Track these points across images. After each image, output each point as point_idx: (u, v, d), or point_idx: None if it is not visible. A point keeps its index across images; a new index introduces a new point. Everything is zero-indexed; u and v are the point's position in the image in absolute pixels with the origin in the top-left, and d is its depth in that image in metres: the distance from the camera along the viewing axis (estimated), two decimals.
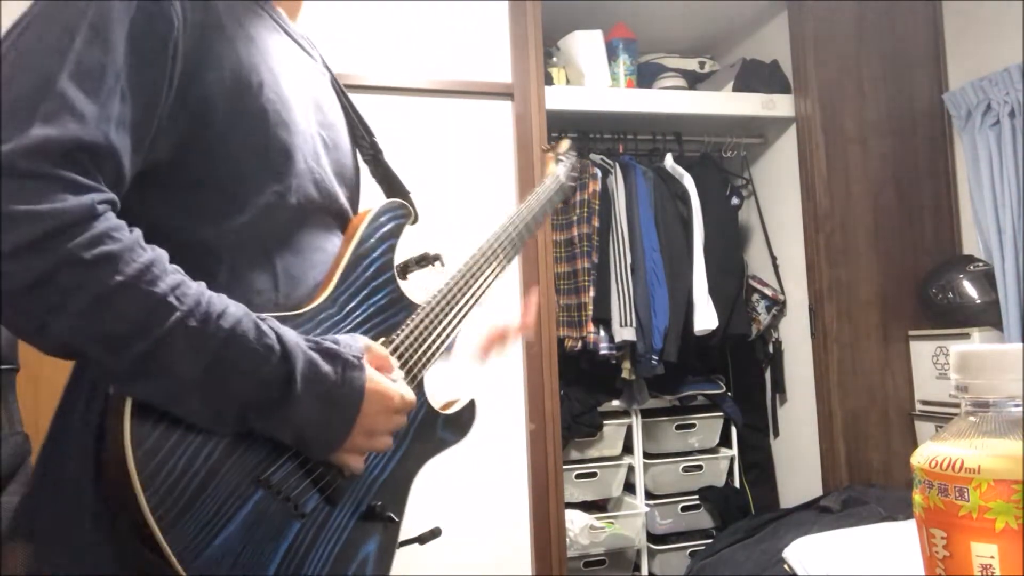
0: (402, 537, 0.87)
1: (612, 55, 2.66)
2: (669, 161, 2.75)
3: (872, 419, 2.54)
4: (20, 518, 0.70)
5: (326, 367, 0.67)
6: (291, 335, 0.66)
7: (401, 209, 0.91)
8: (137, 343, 0.58)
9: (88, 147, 0.58)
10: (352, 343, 0.72)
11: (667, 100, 2.66)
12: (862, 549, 0.95)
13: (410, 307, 0.87)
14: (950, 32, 2.69)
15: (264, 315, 0.67)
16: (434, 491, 1.73)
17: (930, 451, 0.49)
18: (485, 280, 0.99)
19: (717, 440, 2.82)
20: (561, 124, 2.60)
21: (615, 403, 2.67)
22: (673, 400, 2.76)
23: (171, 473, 0.59)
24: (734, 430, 2.83)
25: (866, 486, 2.36)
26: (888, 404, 2.56)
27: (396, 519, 0.83)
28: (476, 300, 0.97)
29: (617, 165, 2.64)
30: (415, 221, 0.93)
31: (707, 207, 2.69)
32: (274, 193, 0.74)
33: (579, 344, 2.54)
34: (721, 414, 2.80)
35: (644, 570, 2.63)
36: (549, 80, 2.52)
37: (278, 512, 0.67)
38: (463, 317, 0.94)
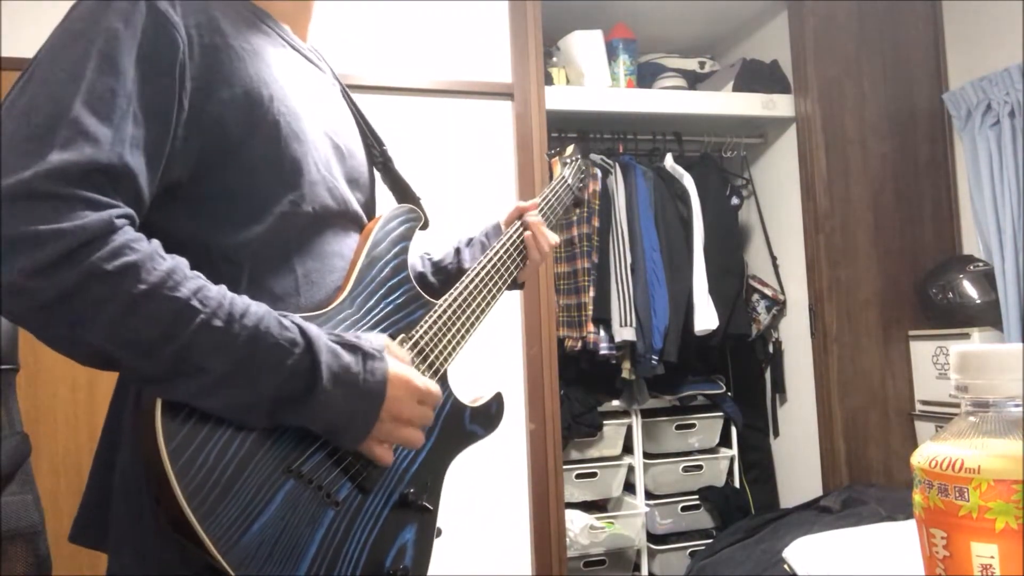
0: None
1: (612, 55, 2.66)
2: (669, 161, 2.75)
3: (872, 419, 2.54)
4: (89, 518, 0.74)
5: (348, 357, 0.70)
6: (313, 329, 0.69)
7: (412, 213, 0.93)
8: (166, 347, 0.61)
9: (104, 168, 0.61)
10: (373, 339, 0.74)
11: (667, 100, 2.65)
12: (862, 549, 0.95)
13: (427, 304, 0.90)
14: (950, 32, 2.69)
15: (286, 312, 0.70)
16: None
17: (930, 451, 0.49)
18: (501, 277, 1.02)
19: (717, 440, 2.82)
20: (561, 124, 2.61)
21: (615, 403, 2.67)
22: (673, 400, 2.75)
23: (204, 464, 0.62)
24: (734, 430, 2.83)
25: (866, 486, 2.35)
26: (888, 404, 2.56)
27: (431, 508, 0.85)
28: (494, 296, 0.99)
29: (617, 165, 2.64)
30: (426, 226, 0.96)
31: (707, 207, 2.69)
32: (289, 202, 0.77)
33: (579, 344, 2.54)
34: (721, 414, 2.80)
35: (644, 570, 2.63)
36: (549, 80, 2.52)
37: (311, 500, 0.70)
38: (482, 312, 0.96)
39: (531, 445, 2.22)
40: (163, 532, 0.64)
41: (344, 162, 0.87)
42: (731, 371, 2.97)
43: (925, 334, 2.53)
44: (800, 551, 0.95)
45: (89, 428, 1.87)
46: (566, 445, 2.55)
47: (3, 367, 1.13)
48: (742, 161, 2.97)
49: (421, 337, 0.86)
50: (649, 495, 2.70)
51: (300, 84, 0.82)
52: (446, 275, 1.10)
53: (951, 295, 2.45)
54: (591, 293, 2.53)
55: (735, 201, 2.85)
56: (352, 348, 0.71)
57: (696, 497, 2.73)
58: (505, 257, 1.03)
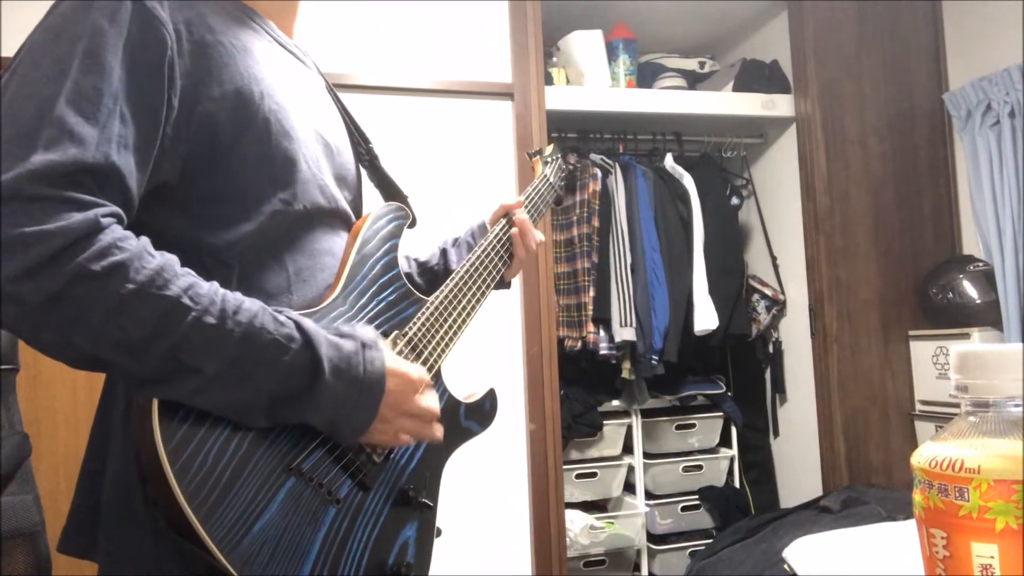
0: None
1: (612, 55, 2.66)
2: (669, 161, 2.75)
3: (872, 419, 2.54)
4: (77, 526, 0.73)
5: (348, 346, 0.70)
6: (310, 323, 0.69)
7: (400, 211, 0.93)
8: (157, 346, 0.60)
9: (89, 168, 0.60)
10: (364, 330, 0.74)
11: (667, 100, 2.65)
12: (862, 549, 0.95)
13: (419, 302, 0.90)
14: (950, 32, 2.69)
15: (281, 308, 0.69)
16: None
17: (930, 451, 0.49)
18: (490, 274, 1.02)
19: (717, 440, 2.82)
20: (561, 124, 2.61)
21: (615, 403, 2.67)
22: (673, 400, 2.75)
23: (203, 465, 0.61)
24: (734, 430, 2.83)
25: (866, 486, 2.35)
26: (888, 404, 2.56)
27: (431, 505, 0.85)
28: (483, 293, 0.99)
29: (617, 165, 2.64)
30: (413, 224, 0.96)
31: (707, 207, 2.69)
32: (281, 200, 0.76)
33: (579, 344, 2.54)
34: (721, 414, 2.80)
35: (644, 570, 2.63)
36: (549, 80, 2.52)
37: (313, 498, 0.69)
38: (472, 309, 0.96)
39: (531, 445, 2.22)
40: (159, 537, 0.63)
41: (332, 160, 0.86)
42: (731, 371, 2.97)
43: (925, 334, 2.53)
44: (800, 551, 0.95)
45: (89, 428, 1.87)
46: (566, 445, 2.55)
47: (3, 367, 1.13)
48: (742, 161, 2.97)
49: (415, 334, 0.86)
50: (649, 495, 2.70)
51: (289, 81, 0.81)
52: (432, 275, 1.10)
53: (951, 295, 2.45)
54: (591, 293, 2.53)
55: (735, 201, 2.85)
56: (349, 338, 0.71)
57: (696, 497, 2.73)
58: (492, 254, 1.04)
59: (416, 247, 1.15)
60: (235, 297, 0.65)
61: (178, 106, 0.68)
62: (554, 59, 2.65)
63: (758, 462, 2.88)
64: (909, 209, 2.64)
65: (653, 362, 2.48)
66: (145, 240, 0.62)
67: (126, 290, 0.58)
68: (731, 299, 2.70)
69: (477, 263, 1.00)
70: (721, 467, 2.79)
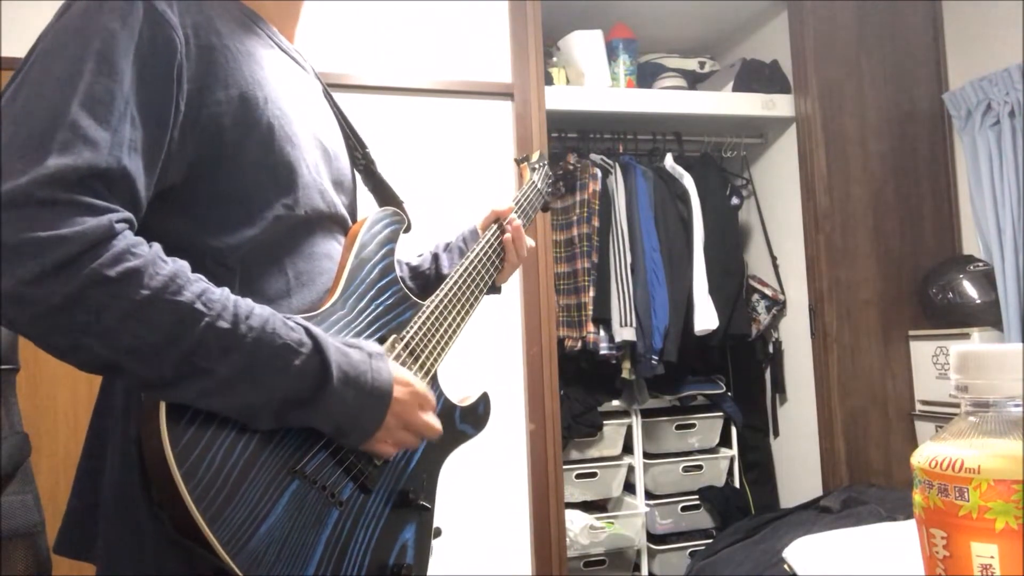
0: None
1: (612, 55, 2.66)
2: (669, 161, 2.75)
3: (872, 419, 2.54)
4: (74, 527, 0.73)
5: (356, 355, 0.71)
6: (319, 330, 0.69)
7: (395, 216, 0.94)
8: (171, 352, 0.60)
9: (102, 173, 0.60)
10: (369, 344, 0.75)
11: (667, 100, 2.65)
12: (862, 549, 0.95)
13: (415, 306, 0.90)
14: (950, 32, 2.69)
15: (290, 315, 0.70)
16: None
17: (930, 451, 0.49)
18: (482, 279, 1.03)
19: (717, 440, 2.82)
20: (561, 124, 2.61)
21: (615, 403, 2.67)
22: (673, 400, 2.75)
23: (210, 467, 0.62)
24: (734, 430, 2.83)
25: (866, 486, 2.35)
26: (888, 404, 2.56)
27: (429, 507, 0.87)
28: (476, 298, 1.00)
29: (617, 165, 2.64)
30: (408, 229, 0.96)
31: (707, 207, 2.69)
32: (283, 205, 0.76)
33: (579, 344, 2.54)
34: (721, 414, 2.80)
35: (644, 570, 2.63)
36: (549, 80, 2.52)
37: (316, 501, 0.70)
38: (467, 313, 0.97)
39: (531, 445, 2.22)
40: (161, 537, 0.63)
41: (330, 165, 0.87)
42: (731, 371, 2.97)
43: (925, 334, 2.53)
44: (800, 551, 0.95)
45: None
46: (566, 445, 2.55)
47: (3, 367, 1.13)
48: (742, 161, 2.97)
49: (412, 337, 0.87)
50: (649, 495, 2.70)
51: (290, 86, 0.82)
52: (424, 280, 1.11)
53: (951, 295, 2.45)
54: (591, 293, 2.53)
55: (735, 201, 2.85)
56: (357, 347, 0.72)
57: (696, 497, 2.73)
58: (485, 259, 1.05)
59: (408, 251, 1.15)
60: (246, 302, 0.66)
61: (185, 109, 0.68)
62: (554, 59, 2.65)
63: (758, 462, 2.88)
64: (909, 209, 2.64)
65: (653, 362, 2.48)
66: (157, 247, 0.63)
67: (141, 296, 0.59)
68: (731, 299, 2.70)
69: (471, 268, 1.01)
70: (721, 467, 2.79)
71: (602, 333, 2.52)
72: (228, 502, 0.62)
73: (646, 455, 2.70)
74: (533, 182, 1.26)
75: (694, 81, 2.96)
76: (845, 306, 2.56)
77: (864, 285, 2.58)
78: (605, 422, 2.62)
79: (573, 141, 2.69)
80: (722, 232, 2.74)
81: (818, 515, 2.23)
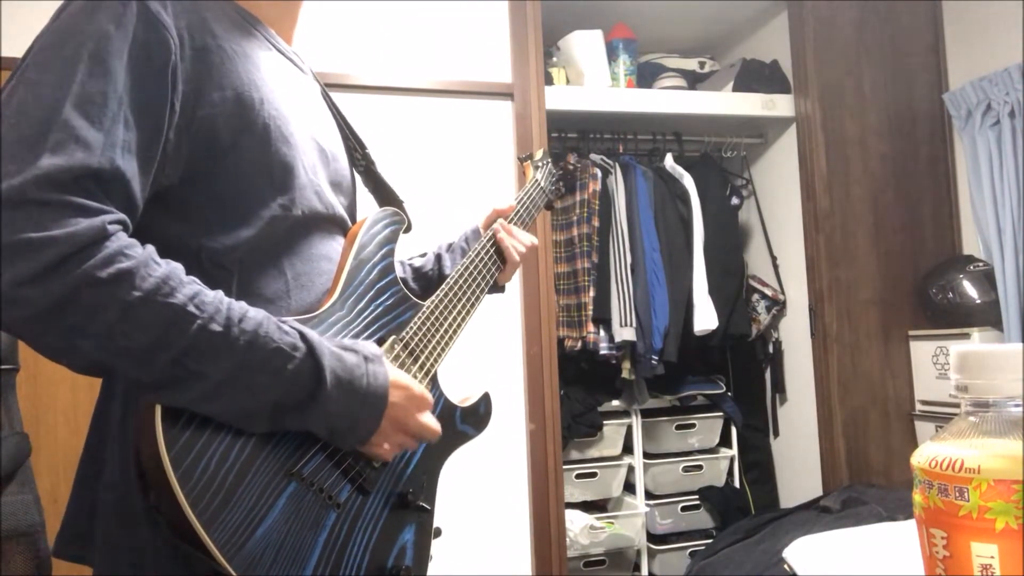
0: None
1: (612, 55, 2.66)
2: (669, 161, 2.75)
3: (872, 419, 2.54)
4: (72, 531, 0.73)
5: (351, 359, 0.70)
6: (313, 334, 0.69)
7: (395, 216, 0.93)
8: (163, 354, 0.60)
9: (95, 173, 0.60)
10: (368, 345, 0.74)
11: (667, 100, 2.65)
12: (862, 549, 0.95)
13: (415, 306, 0.90)
14: (950, 32, 2.69)
15: (284, 318, 0.69)
16: None
17: (930, 451, 0.49)
18: (484, 278, 1.03)
19: (717, 440, 2.82)
20: (561, 124, 2.60)
21: (615, 403, 2.67)
22: (673, 400, 2.75)
23: (206, 470, 0.61)
24: (734, 430, 2.83)
25: (866, 486, 2.35)
26: (888, 404, 2.56)
27: (428, 508, 0.86)
28: (477, 298, 1.00)
29: (617, 165, 2.64)
30: (408, 229, 0.96)
31: (707, 207, 2.69)
32: (279, 206, 0.76)
33: (579, 344, 2.54)
34: (721, 414, 2.80)
35: (644, 570, 2.63)
36: (549, 80, 2.52)
37: (314, 503, 0.70)
38: (467, 313, 0.97)
39: (531, 445, 2.22)
40: (160, 540, 0.63)
41: (328, 166, 0.87)
42: (731, 371, 2.97)
43: (925, 334, 2.53)
44: (800, 551, 0.95)
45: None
46: (566, 445, 2.55)
47: (3, 367, 1.13)
48: (742, 161, 2.97)
49: (412, 338, 0.86)
50: (649, 495, 2.70)
51: (287, 87, 0.81)
52: (427, 280, 1.11)
53: (951, 295, 2.45)
54: (591, 293, 2.53)
55: (735, 201, 2.85)
56: (353, 351, 0.71)
57: (696, 497, 2.73)
58: (486, 259, 1.04)
59: (410, 252, 1.15)
60: (240, 306, 0.66)
61: (180, 110, 0.68)
62: (554, 59, 2.65)
63: (758, 462, 2.88)
64: (909, 209, 2.64)
65: (653, 362, 2.48)
66: (151, 248, 0.63)
67: (132, 297, 0.58)
68: (731, 299, 2.70)
69: (471, 267, 1.01)
70: (721, 467, 2.79)
71: (602, 333, 2.52)
72: (224, 505, 0.62)
73: (646, 455, 2.70)
74: (536, 180, 1.26)
75: (694, 81, 2.96)
76: (845, 306, 2.56)
77: (864, 285, 2.58)
78: (605, 422, 2.62)
79: (573, 141, 2.69)
80: (722, 232, 2.74)
81: (818, 515, 2.23)
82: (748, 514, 2.69)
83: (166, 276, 0.61)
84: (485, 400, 1.00)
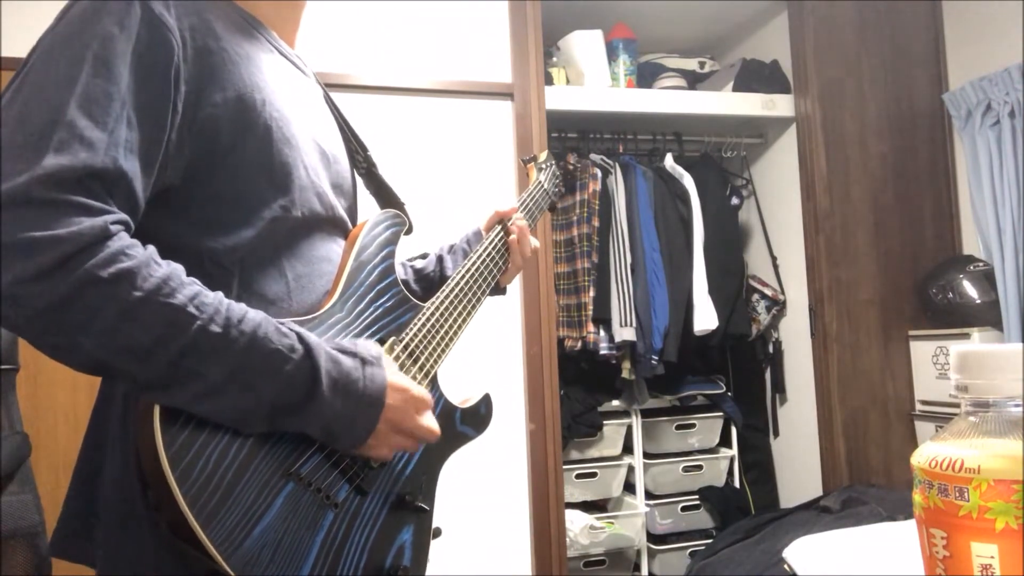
0: None
1: (612, 55, 2.66)
2: (669, 161, 2.75)
3: (872, 419, 2.54)
4: (71, 530, 0.73)
5: (348, 363, 0.70)
6: (312, 336, 0.69)
7: (396, 218, 0.93)
8: (162, 353, 0.60)
9: (98, 173, 0.61)
10: (369, 347, 0.74)
11: (667, 100, 2.65)
12: (862, 549, 0.95)
13: (416, 308, 0.90)
14: (950, 32, 2.69)
15: (283, 319, 0.70)
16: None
17: (930, 451, 0.49)
18: (485, 280, 1.03)
19: (717, 440, 2.82)
20: (561, 124, 2.61)
21: (615, 403, 2.67)
22: (673, 400, 2.75)
23: (204, 469, 0.62)
24: (734, 430, 2.83)
25: (866, 486, 2.35)
26: (888, 404, 2.56)
27: (427, 509, 0.86)
28: (479, 300, 1.00)
29: (617, 165, 2.64)
30: (410, 231, 0.96)
31: (707, 207, 2.69)
32: (280, 207, 0.76)
33: (579, 344, 2.54)
34: (721, 414, 2.80)
35: (644, 570, 2.63)
36: (549, 80, 2.52)
37: (311, 503, 0.70)
38: (468, 315, 0.97)
39: (531, 445, 2.22)
40: (160, 541, 0.64)
41: (329, 168, 0.87)
42: (731, 371, 2.97)
43: (925, 334, 2.53)
44: (800, 551, 0.95)
45: None
46: (566, 445, 2.55)
47: (3, 367, 1.13)
48: (742, 161, 2.97)
49: (411, 339, 0.86)
50: (649, 495, 2.70)
51: (289, 89, 0.82)
52: (429, 282, 1.11)
53: (951, 295, 2.45)
54: (591, 293, 2.53)
55: (735, 201, 2.85)
56: (351, 354, 0.71)
57: (696, 497, 2.73)
58: (488, 261, 1.04)
59: (412, 254, 1.15)
60: (239, 307, 0.66)
61: (182, 111, 0.68)
62: (554, 59, 2.65)
63: (758, 462, 2.88)
64: (909, 209, 2.64)
65: (653, 362, 2.48)
66: (152, 249, 0.63)
67: (133, 297, 0.59)
68: (731, 299, 2.70)
69: (473, 269, 1.00)
70: (721, 467, 2.79)
71: (602, 333, 2.52)
72: (222, 504, 0.62)
73: (646, 455, 2.70)
74: (540, 182, 1.26)
75: (694, 81, 2.96)
76: (845, 306, 2.56)
77: (864, 285, 2.58)
78: (605, 422, 2.62)
79: (573, 141, 2.69)
80: (722, 232, 2.74)
81: (818, 515, 2.23)
82: (748, 514, 2.69)
83: (167, 276, 0.61)
84: (485, 401, 1.00)
